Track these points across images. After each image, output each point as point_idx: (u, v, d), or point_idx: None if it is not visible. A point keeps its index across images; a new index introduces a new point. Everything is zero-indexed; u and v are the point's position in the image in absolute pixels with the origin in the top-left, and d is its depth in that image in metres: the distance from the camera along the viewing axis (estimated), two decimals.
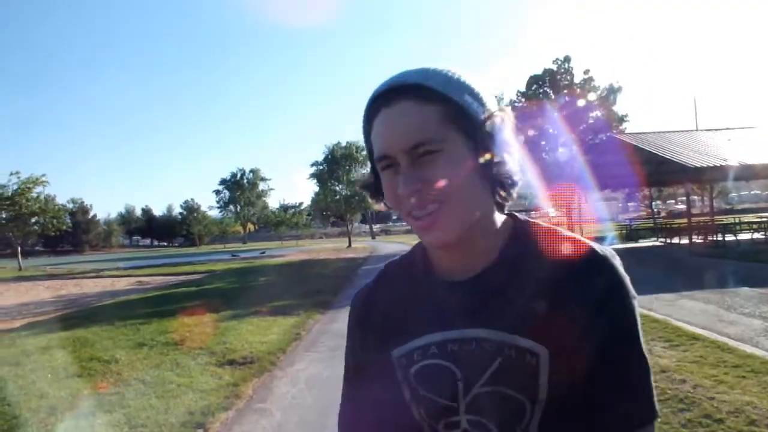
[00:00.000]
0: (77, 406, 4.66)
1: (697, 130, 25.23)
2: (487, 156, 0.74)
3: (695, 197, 57.71)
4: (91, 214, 74.23)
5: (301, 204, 73.65)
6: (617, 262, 0.76)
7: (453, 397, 0.78)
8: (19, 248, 33.15)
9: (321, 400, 4.77)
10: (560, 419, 0.74)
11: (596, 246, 0.78)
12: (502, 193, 0.79)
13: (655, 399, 0.74)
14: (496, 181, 0.77)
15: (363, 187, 0.88)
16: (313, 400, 4.79)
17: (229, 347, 6.70)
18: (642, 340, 0.75)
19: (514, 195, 0.81)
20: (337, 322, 8.66)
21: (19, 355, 6.87)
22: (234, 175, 74.31)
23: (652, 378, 0.74)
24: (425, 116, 0.72)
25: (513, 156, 0.78)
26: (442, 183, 0.72)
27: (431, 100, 0.73)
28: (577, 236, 0.80)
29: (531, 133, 30.14)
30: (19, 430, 4.15)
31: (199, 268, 25.41)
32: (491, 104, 0.78)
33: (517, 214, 0.85)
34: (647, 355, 0.75)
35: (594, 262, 0.76)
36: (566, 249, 0.78)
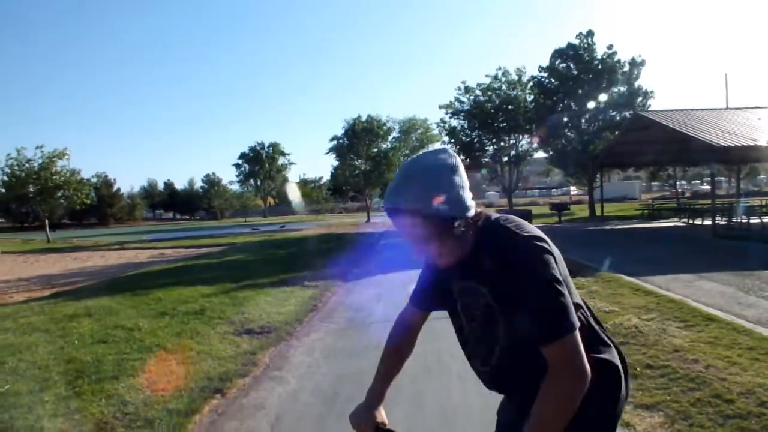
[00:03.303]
0: (102, 371, 4.84)
1: (727, 108, 24.54)
2: (455, 228, 1.33)
3: (722, 178, 56.41)
4: (115, 188, 75.08)
5: (320, 178, 73.81)
6: (527, 250, 1.31)
7: (470, 311, 1.50)
8: (46, 221, 33.94)
9: (335, 369, 4.89)
10: (513, 334, 1.38)
11: (522, 235, 1.33)
12: (466, 228, 1.36)
13: (555, 326, 1.25)
14: (460, 232, 1.35)
15: None
16: (328, 369, 4.90)
17: (248, 317, 6.86)
18: (549, 291, 1.26)
19: (471, 218, 1.37)
20: (354, 295, 8.80)
21: (48, 322, 7.10)
22: (253, 149, 74.61)
23: (559, 315, 1.26)
24: (413, 224, 1.32)
25: (466, 199, 1.34)
26: (431, 250, 1.39)
27: (414, 214, 1.30)
28: (511, 230, 1.34)
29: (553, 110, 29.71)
30: (49, 392, 4.33)
31: (220, 241, 25.79)
32: (450, 188, 1.32)
33: (489, 215, 1.42)
34: (559, 300, 1.26)
35: (514, 245, 1.31)
36: (504, 238, 1.34)
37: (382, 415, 1.65)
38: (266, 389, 4.46)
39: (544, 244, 1.33)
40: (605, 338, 1.52)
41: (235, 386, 4.47)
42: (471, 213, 1.35)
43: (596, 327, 1.50)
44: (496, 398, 1.69)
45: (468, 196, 1.35)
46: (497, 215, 1.44)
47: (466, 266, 1.43)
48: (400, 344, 1.73)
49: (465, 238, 1.37)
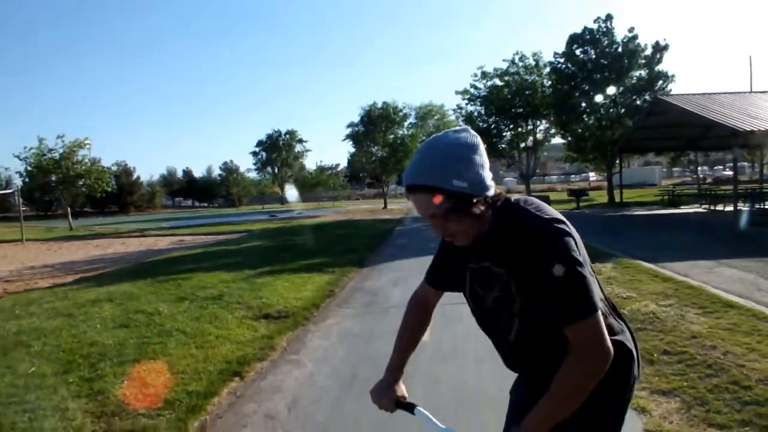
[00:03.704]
0: (124, 354, 4.95)
1: (751, 92, 23.96)
2: (474, 206, 1.31)
3: (745, 163, 55.19)
4: (135, 176, 76.01)
5: (337, 165, 73.96)
6: (546, 234, 1.30)
7: (485, 293, 1.49)
8: (69, 209, 34.53)
9: (352, 353, 4.95)
10: (531, 315, 1.39)
11: (543, 218, 1.33)
12: (485, 208, 1.35)
13: (579, 307, 1.27)
14: (479, 212, 1.33)
15: None
16: (344, 354, 4.96)
17: (265, 302, 6.93)
18: (572, 273, 1.27)
19: (491, 199, 1.35)
20: (370, 280, 8.85)
21: (71, 307, 7.25)
22: (270, 137, 74.89)
23: (583, 296, 1.27)
24: (431, 201, 1.30)
25: (486, 178, 1.33)
26: (449, 230, 1.37)
27: (433, 191, 1.29)
28: (534, 211, 1.35)
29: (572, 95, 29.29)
30: (72, 374, 4.45)
31: (238, 228, 26.04)
32: (471, 166, 1.31)
33: (508, 197, 1.42)
34: (582, 282, 1.28)
35: (534, 228, 1.32)
36: (524, 220, 1.34)
37: (402, 389, 1.68)
38: (283, 372, 4.53)
39: (565, 227, 1.33)
40: (619, 321, 1.53)
41: (253, 369, 4.54)
42: (490, 193, 1.34)
43: (610, 309, 1.52)
44: (510, 378, 1.71)
45: (488, 175, 1.34)
46: (517, 197, 1.44)
47: (483, 248, 1.43)
48: (416, 320, 1.75)
49: (483, 219, 1.36)
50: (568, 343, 1.31)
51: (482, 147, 1.35)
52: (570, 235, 1.32)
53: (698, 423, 3.18)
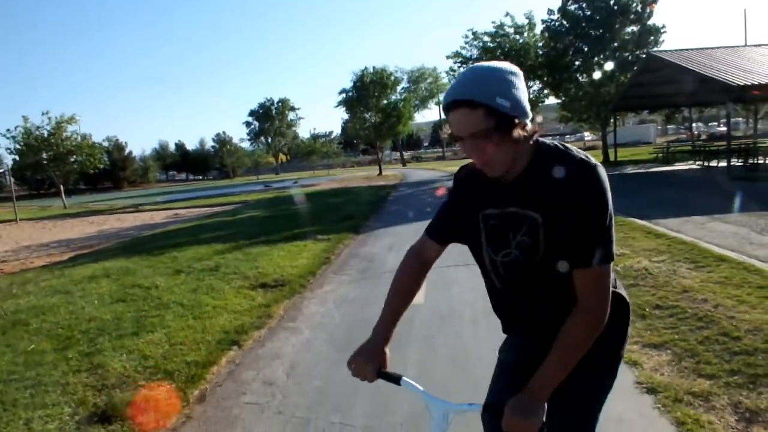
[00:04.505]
0: (122, 328, 4.99)
1: (745, 46, 23.66)
2: (514, 130, 1.26)
3: (739, 119, 54.94)
4: (127, 151, 75.47)
5: (331, 132, 73.37)
6: (592, 172, 1.28)
7: (507, 241, 1.41)
8: (61, 187, 34.28)
9: (347, 319, 5.00)
10: (555, 259, 1.34)
11: (588, 162, 1.30)
12: (524, 138, 1.29)
13: (605, 252, 1.29)
14: (519, 137, 1.28)
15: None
16: (341, 319, 5.02)
17: (262, 271, 6.97)
18: (608, 217, 1.28)
19: (529, 129, 1.30)
20: (366, 246, 8.89)
21: (68, 284, 7.27)
22: (263, 106, 74.05)
23: (610, 242, 1.30)
24: (474, 117, 1.24)
25: (525, 107, 1.28)
26: (487, 154, 1.29)
27: (477, 107, 1.23)
28: (571, 152, 1.33)
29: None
30: (72, 350, 4.49)
31: (233, 199, 25.99)
32: (513, 89, 1.26)
33: (541, 139, 1.37)
34: (612, 228, 1.30)
35: (581, 169, 1.29)
36: (560, 161, 1.31)
37: (386, 358, 1.52)
38: (281, 340, 4.58)
39: (604, 171, 1.31)
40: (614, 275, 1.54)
41: (251, 338, 4.59)
42: (529, 122, 1.31)
43: None
44: (499, 339, 1.72)
45: (528, 105, 1.30)
46: (548, 140, 1.40)
47: (512, 191, 1.38)
48: (413, 276, 1.62)
49: (520, 149, 1.31)
50: (572, 301, 1.33)
51: (522, 78, 1.31)
52: (606, 180, 1.31)
53: (688, 374, 3.25)
